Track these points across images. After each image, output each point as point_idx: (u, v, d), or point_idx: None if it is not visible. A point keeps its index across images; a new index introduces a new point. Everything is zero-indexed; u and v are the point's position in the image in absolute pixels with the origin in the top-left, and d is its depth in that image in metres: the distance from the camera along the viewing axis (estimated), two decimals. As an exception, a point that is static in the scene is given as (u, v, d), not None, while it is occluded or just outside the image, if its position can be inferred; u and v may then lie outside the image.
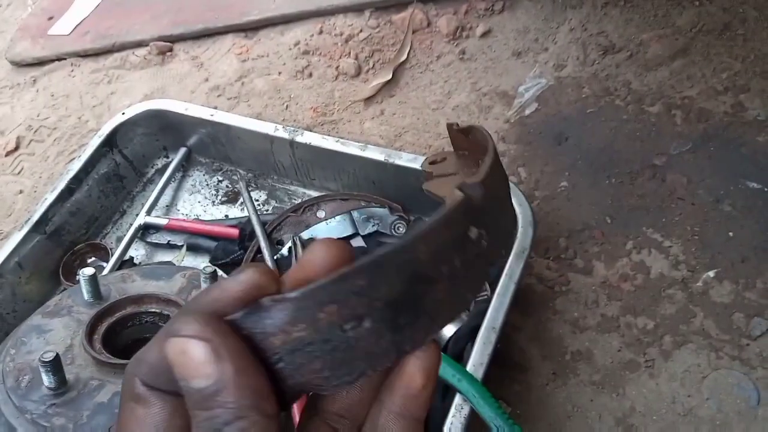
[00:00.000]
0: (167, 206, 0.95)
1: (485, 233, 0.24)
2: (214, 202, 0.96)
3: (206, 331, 0.20)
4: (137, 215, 0.91)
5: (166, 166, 0.97)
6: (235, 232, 0.83)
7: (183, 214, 0.94)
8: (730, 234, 0.80)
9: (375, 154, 0.84)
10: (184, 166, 0.99)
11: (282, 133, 0.89)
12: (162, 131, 0.97)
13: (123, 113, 0.95)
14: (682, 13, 1.05)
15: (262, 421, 0.20)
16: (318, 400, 0.25)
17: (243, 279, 0.22)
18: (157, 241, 0.88)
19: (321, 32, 1.20)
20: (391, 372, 0.23)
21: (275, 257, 0.77)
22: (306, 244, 0.77)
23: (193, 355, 0.20)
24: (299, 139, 0.88)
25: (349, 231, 0.78)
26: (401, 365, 0.23)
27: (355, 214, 0.80)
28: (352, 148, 0.85)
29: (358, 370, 0.22)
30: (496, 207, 0.25)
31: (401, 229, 0.80)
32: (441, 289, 0.23)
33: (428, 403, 0.24)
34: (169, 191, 0.96)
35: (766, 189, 0.83)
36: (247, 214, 0.85)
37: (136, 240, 0.89)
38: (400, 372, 0.23)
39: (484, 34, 1.12)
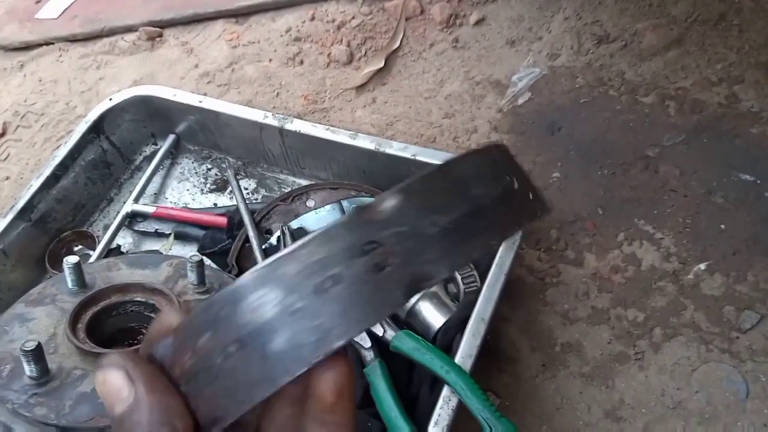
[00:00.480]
0: (155, 194, 0.94)
1: (390, 254, 0.21)
2: (202, 190, 0.95)
3: (122, 360, 0.22)
4: (125, 203, 0.89)
5: (154, 154, 0.96)
6: (223, 220, 0.82)
7: (171, 202, 0.93)
8: (722, 226, 0.80)
9: (365, 143, 0.83)
10: (173, 154, 0.98)
11: (272, 120, 0.87)
12: (150, 118, 0.96)
13: (110, 99, 0.94)
14: (677, 3, 1.04)
15: None
16: (257, 424, 0.25)
17: (162, 319, 0.24)
18: (144, 230, 0.87)
19: (313, 19, 1.18)
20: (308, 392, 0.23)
21: (264, 247, 0.77)
22: (295, 233, 0.76)
23: (112, 382, 0.21)
24: (289, 126, 0.86)
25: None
26: (311, 384, 0.23)
27: (345, 203, 0.79)
28: (343, 137, 0.84)
29: (248, 399, 0.21)
30: (417, 225, 0.21)
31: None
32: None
33: (349, 410, 0.24)
34: (157, 179, 0.95)
35: (758, 181, 0.83)
36: (236, 203, 0.84)
37: (123, 228, 0.87)
38: (311, 390, 0.23)
39: (478, 22, 1.11)
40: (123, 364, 0.22)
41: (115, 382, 0.21)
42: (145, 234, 0.88)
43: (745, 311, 0.73)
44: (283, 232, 0.76)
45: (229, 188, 0.92)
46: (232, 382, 0.21)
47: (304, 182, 0.91)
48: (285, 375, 0.21)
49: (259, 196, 0.92)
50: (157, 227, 0.87)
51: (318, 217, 0.77)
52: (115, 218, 0.88)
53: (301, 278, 0.21)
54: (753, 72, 0.93)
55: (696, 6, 1.02)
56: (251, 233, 0.78)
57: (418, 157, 0.79)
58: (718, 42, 0.98)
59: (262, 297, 0.21)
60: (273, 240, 0.77)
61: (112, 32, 1.25)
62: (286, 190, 0.89)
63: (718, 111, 0.91)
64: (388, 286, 0.21)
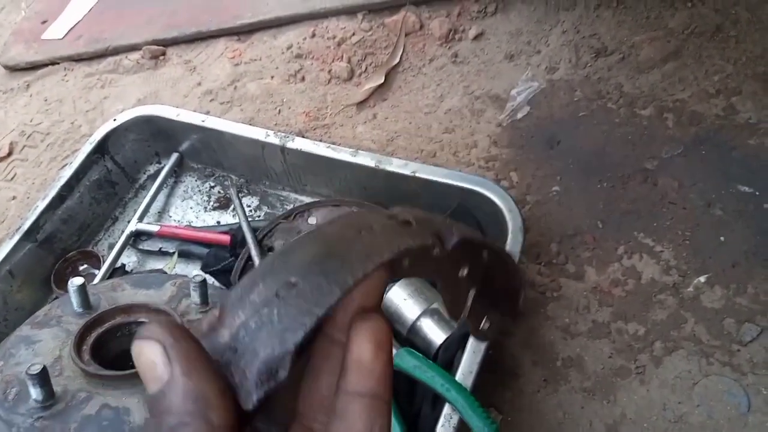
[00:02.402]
0: (159, 213, 0.95)
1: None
2: (206, 208, 0.96)
3: (161, 333, 0.20)
4: (129, 222, 0.91)
5: (158, 172, 0.97)
6: (226, 239, 0.83)
7: (175, 220, 0.94)
8: (721, 239, 0.80)
9: (366, 160, 0.83)
10: (176, 172, 0.99)
11: (273, 139, 0.88)
12: (154, 137, 0.97)
13: (114, 119, 0.95)
14: (674, 15, 1.04)
15: (204, 430, 0.19)
16: (293, 404, 0.24)
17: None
18: (148, 249, 0.88)
19: (314, 35, 1.19)
20: (344, 354, 0.23)
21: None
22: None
23: (148, 356, 0.20)
24: (290, 145, 0.87)
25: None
26: (349, 342, 0.22)
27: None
28: (343, 154, 0.85)
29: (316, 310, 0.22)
30: None
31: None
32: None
33: (386, 378, 0.22)
34: (161, 197, 0.96)
35: (757, 192, 0.83)
36: (239, 221, 0.85)
37: (127, 247, 0.89)
38: (349, 349, 0.22)
39: (477, 37, 1.12)
40: (162, 338, 0.20)
41: (151, 357, 0.19)
42: (149, 253, 0.89)
43: (745, 324, 0.73)
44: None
45: (232, 206, 0.94)
46: (294, 310, 0.21)
47: (306, 199, 0.92)
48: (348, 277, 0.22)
49: (262, 213, 0.93)
50: (161, 246, 0.88)
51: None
52: (119, 237, 0.89)
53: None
54: (750, 83, 0.94)
55: (693, 18, 1.03)
56: (253, 252, 0.79)
57: (417, 174, 0.80)
58: (715, 54, 0.99)
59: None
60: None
61: (116, 51, 1.27)
62: (288, 208, 0.90)
63: (716, 123, 0.91)
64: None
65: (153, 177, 0.98)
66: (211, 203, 0.96)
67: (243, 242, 0.82)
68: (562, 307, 0.77)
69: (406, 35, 1.15)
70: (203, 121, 0.93)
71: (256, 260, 0.78)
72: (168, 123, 0.94)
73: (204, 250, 0.85)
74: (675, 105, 0.94)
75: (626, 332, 0.75)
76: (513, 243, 0.72)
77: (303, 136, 0.96)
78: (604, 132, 0.94)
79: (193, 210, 0.96)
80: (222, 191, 0.97)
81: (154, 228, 0.88)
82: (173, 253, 0.87)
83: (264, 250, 0.80)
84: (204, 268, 0.84)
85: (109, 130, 0.93)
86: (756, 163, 0.86)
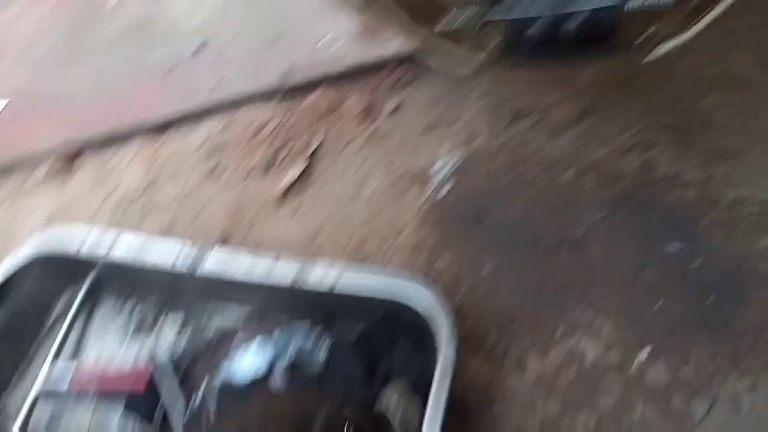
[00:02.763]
0: (76, 348, 0.88)
1: None
2: (126, 333, 0.89)
3: None
4: (40, 369, 0.83)
5: (69, 306, 0.90)
6: (141, 385, 0.76)
7: (94, 353, 0.87)
8: (657, 305, 0.79)
9: (285, 271, 0.79)
10: (91, 301, 0.92)
11: (184, 260, 0.83)
12: (59, 269, 0.90)
13: (13, 256, 0.88)
14: (584, 71, 1.04)
15: None
16: None
17: None
18: (62, 404, 0.81)
19: (230, 125, 1.16)
20: None
21: (186, 413, 0.72)
22: (221, 393, 0.71)
23: None
24: (204, 265, 0.82)
25: (263, 369, 0.72)
26: None
27: (269, 346, 0.74)
28: (261, 267, 0.80)
29: None
30: None
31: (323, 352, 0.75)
32: None
33: None
34: (76, 330, 0.89)
35: (683, 251, 0.82)
36: (159, 349, 0.79)
37: (40, 400, 0.81)
38: None
39: (395, 110, 1.10)
40: None
41: None
42: (64, 405, 0.82)
43: (694, 400, 0.71)
44: (204, 395, 0.71)
45: (155, 328, 0.88)
46: None
47: (233, 307, 0.87)
48: None
49: (189, 329, 0.88)
50: (77, 391, 0.81)
51: (243, 368, 0.73)
52: (32, 386, 0.81)
53: None
54: (663, 134, 0.94)
55: (601, 73, 1.03)
56: (172, 392, 0.73)
57: (338, 289, 0.75)
58: (627, 107, 0.98)
59: None
60: (196, 405, 0.72)
61: (24, 162, 1.20)
62: (215, 321, 0.85)
63: (636, 180, 0.90)
64: None
65: (65, 311, 0.91)
66: (132, 327, 0.90)
67: (162, 379, 0.76)
68: (509, 405, 0.74)
69: (323, 116, 1.12)
70: (114, 242, 0.86)
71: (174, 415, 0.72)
72: (75, 251, 0.88)
73: (123, 395, 0.78)
74: (593, 164, 0.93)
75: (578, 426, 0.71)
76: (445, 360, 0.68)
77: (223, 242, 0.91)
78: (527, 201, 0.92)
79: (115, 336, 0.89)
80: (142, 311, 0.91)
81: (67, 378, 0.80)
82: (91, 397, 0.80)
83: (188, 391, 0.75)
84: (126, 408, 0.78)
85: (6, 278, 0.85)
86: (679, 217, 0.85)
